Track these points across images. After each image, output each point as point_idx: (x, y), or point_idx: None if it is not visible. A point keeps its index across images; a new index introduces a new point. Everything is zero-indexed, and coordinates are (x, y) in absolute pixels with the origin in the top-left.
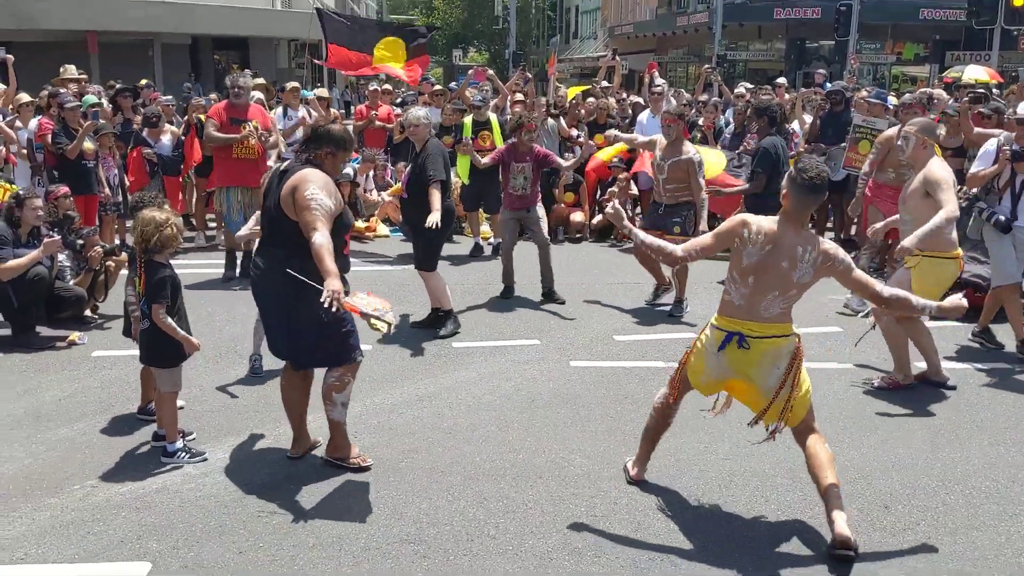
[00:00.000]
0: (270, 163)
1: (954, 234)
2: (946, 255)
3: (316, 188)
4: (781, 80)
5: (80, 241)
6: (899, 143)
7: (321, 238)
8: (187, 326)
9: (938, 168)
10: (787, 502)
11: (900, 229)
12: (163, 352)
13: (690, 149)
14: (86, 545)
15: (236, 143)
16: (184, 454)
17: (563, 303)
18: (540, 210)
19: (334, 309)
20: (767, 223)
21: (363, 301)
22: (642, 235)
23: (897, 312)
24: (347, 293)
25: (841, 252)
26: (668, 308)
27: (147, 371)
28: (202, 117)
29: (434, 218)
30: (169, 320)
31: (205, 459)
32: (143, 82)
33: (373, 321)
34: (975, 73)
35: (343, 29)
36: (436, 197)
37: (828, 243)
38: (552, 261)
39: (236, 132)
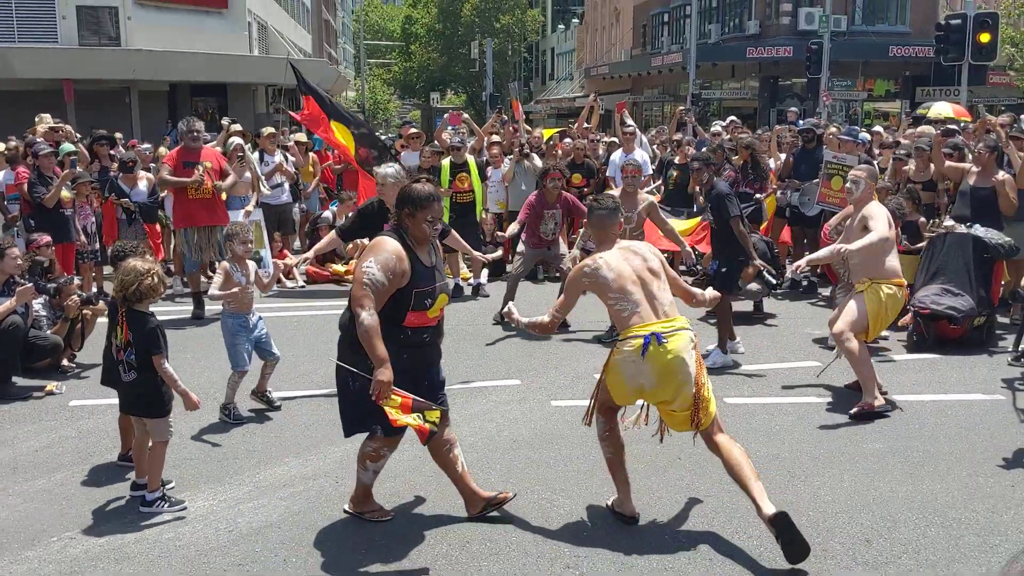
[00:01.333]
0: (249, 207)
1: (896, 264)
2: (891, 282)
3: (372, 260)
4: (716, 128)
5: (53, 286)
6: (848, 185)
7: (367, 319)
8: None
9: (876, 207)
10: (770, 537)
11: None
12: (153, 402)
13: (645, 195)
14: None
15: (190, 185)
16: (163, 503)
17: (568, 326)
18: (563, 246)
19: (380, 402)
20: (596, 256)
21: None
22: (524, 321)
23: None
24: (431, 364)
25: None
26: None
27: (126, 419)
28: None
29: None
30: (170, 369)
31: (184, 508)
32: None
33: (425, 416)
34: (942, 109)
35: (313, 91)
36: (461, 240)
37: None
38: (533, 298)
39: (189, 175)
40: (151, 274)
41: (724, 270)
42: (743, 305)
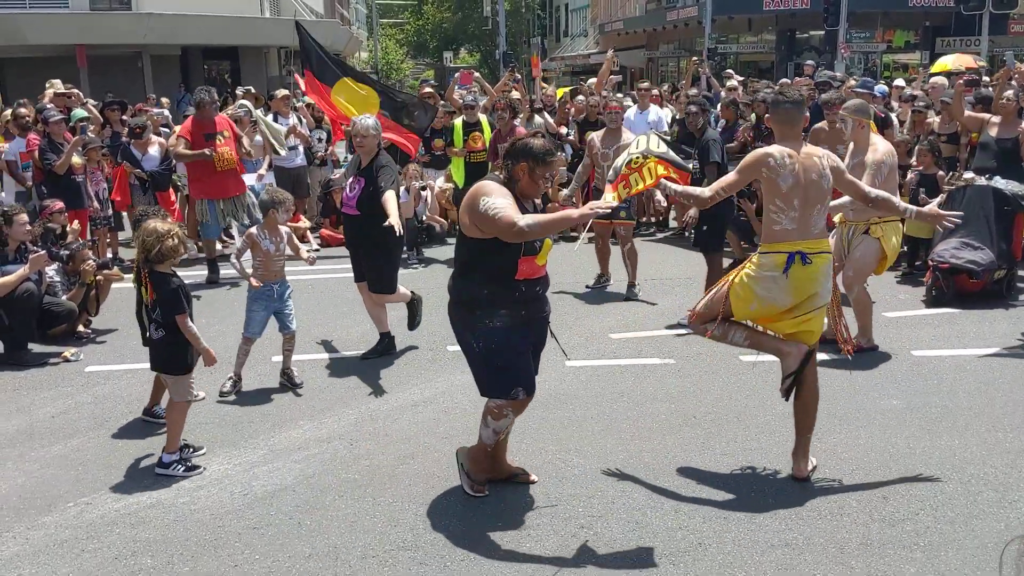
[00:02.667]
0: (261, 171)
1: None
2: (897, 218)
3: (490, 198)
4: (732, 83)
5: (66, 252)
6: (838, 125)
7: (526, 221)
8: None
9: (880, 148)
10: (786, 496)
11: (846, 206)
12: (173, 361)
13: (629, 135)
14: (81, 563)
15: (217, 157)
16: (179, 466)
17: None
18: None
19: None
20: (784, 149)
21: None
22: (674, 186)
23: (881, 211)
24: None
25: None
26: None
27: (158, 376)
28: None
29: (395, 222)
30: (194, 328)
31: (200, 472)
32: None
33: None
34: (946, 61)
35: (316, 57)
36: (393, 202)
37: (821, 149)
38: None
39: (211, 145)
40: (171, 235)
41: (705, 228)
42: None
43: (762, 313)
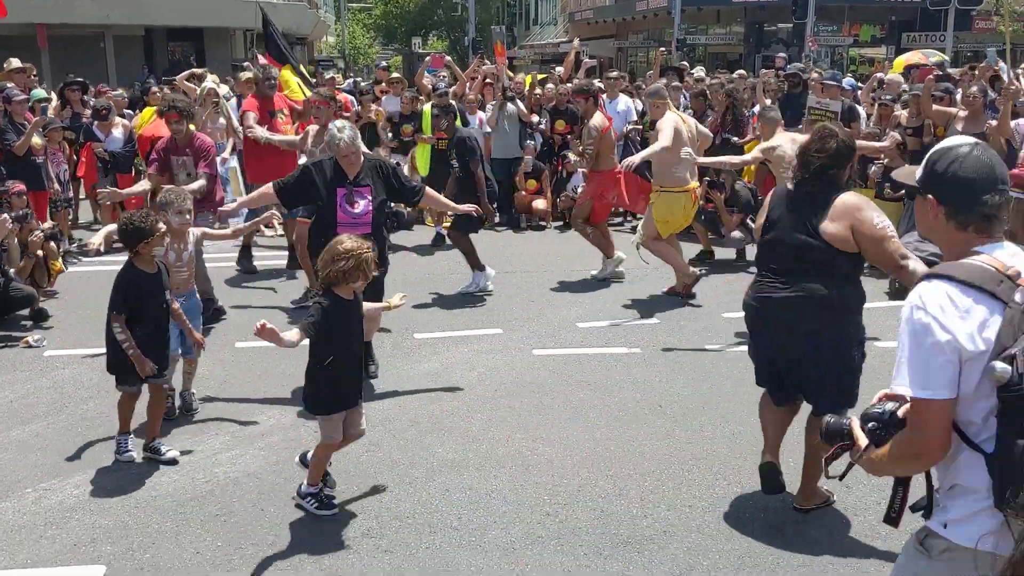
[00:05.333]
0: (225, 154)
1: (686, 173)
2: (678, 189)
3: (880, 217)
4: (699, 74)
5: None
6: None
7: (917, 264)
8: (153, 332)
9: (665, 120)
10: (750, 485)
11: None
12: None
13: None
14: (39, 550)
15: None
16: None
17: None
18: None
19: None
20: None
21: None
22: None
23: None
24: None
25: None
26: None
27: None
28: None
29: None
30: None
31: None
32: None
33: None
34: (904, 58)
35: (274, 45)
36: (439, 197)
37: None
38: (507, 249)
39: (274, 124)
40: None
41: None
42: (727, 253)
43: None
